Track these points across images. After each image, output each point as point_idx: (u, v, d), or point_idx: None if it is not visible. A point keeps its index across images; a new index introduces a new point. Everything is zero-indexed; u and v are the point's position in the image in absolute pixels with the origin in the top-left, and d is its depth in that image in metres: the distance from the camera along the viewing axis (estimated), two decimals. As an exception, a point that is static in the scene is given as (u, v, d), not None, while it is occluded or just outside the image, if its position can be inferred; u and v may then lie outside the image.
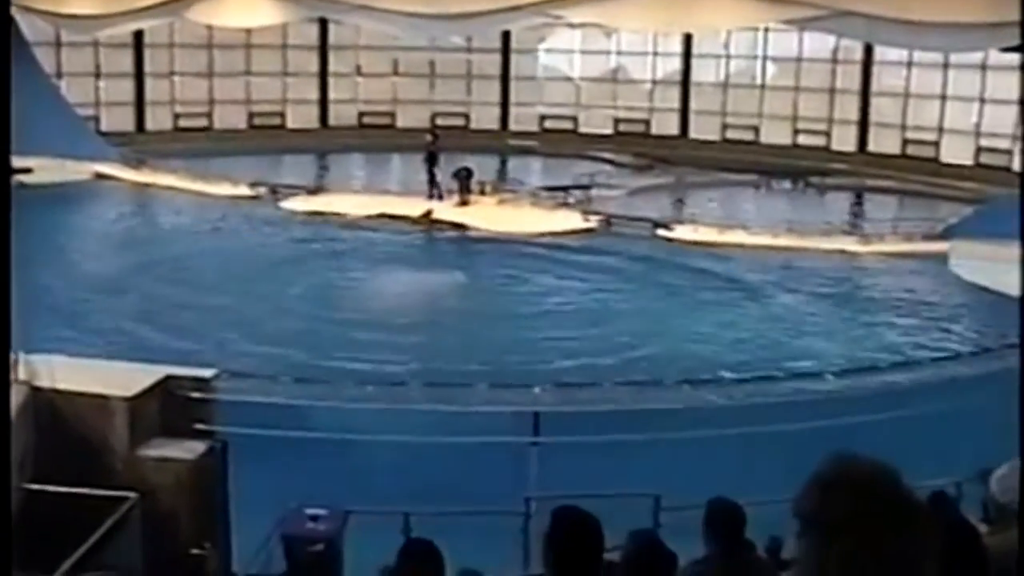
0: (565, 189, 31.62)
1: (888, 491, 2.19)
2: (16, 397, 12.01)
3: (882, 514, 2.15)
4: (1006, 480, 4.47)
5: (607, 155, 37.69)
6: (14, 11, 30.50)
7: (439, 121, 39.05)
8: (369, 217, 28.89)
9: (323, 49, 41.07)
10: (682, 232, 27.81)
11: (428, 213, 29.19)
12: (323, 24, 39.62)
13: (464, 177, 30.25)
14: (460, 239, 28.11)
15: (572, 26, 37.25)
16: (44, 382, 12.57)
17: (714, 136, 39.17)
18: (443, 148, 31.04)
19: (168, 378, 13.10)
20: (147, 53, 39.00)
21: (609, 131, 40.23)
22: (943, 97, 35.68)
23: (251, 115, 40.39)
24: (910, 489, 2.22)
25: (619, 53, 40.84)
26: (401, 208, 29.51)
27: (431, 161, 30.72)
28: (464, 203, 30.00)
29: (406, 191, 31.63)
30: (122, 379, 12.99)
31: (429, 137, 31.77)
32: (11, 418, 11.26)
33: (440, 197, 30.28)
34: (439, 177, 30.53)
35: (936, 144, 35.75)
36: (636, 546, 5.54)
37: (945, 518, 4.35)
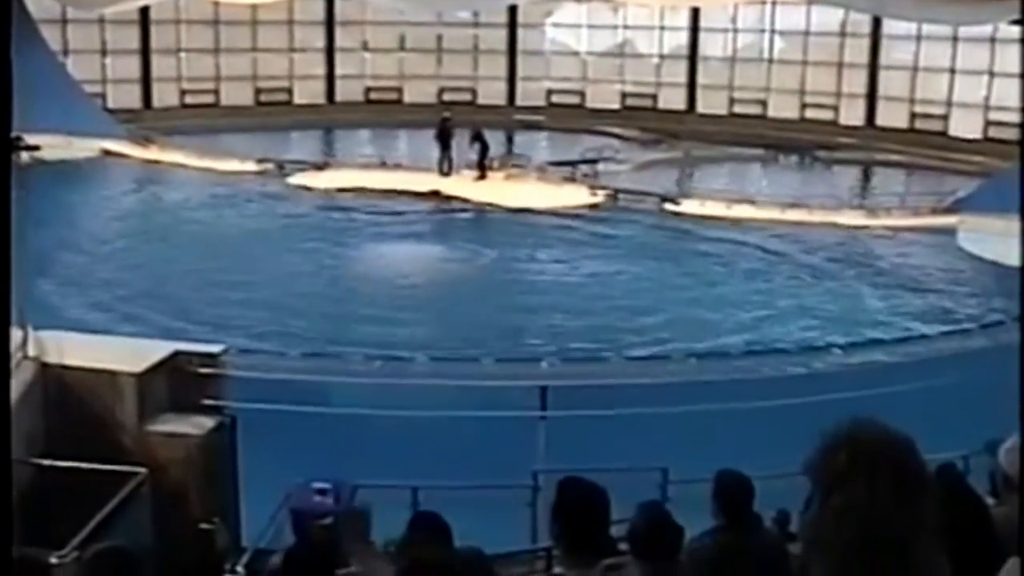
0: (572, 164, 31.60)
1: (892, 454, 2.19)
2: (25, 373, 12.04)
3: (882, 475, 2.16)
4: (1014, 453, 4.46)
5: (614, 130, 37.63)
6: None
7: (446, 96, 39.02)
8: (376, 192, 28.88)
9: (330, 24, 41.00)
10: (689, 206, 27.78)
11: (435, 190, 29.17)
12: (329, -1, 39.57)
13: (481, 148, 30.25)
14: (467, 214, 28.09)
15: (579, 0, 37.17)
16: (53, 358, 12.59)
17: (722, 110, 39.09)
18: (457, 125, 31.01)
19: (177, 353, 13.12)
20: (153, 29, 38.95)
21: (616, 105, 40.17)
22: (952, 70, 35.58)
23: (258, 91, 40.38)
24: (919, 458, 2.22)
25: (626, 27, 40.74)
26: (408, 183, 29.49)
27: (444, 138, 30.67)
28: (482, 176, 30.03)
29: (414, 166, 31.61)
30: (131, 355, 13.01)
31: (446, 114, 31.68)
32: (15, 398, 11.30)
33: (449, 173, 30.28)
34: (453, 153, 30.51)
35: (944, 118, 35.67)
36: (643, 518, 5.55)
37: (953, 490, 4.35)
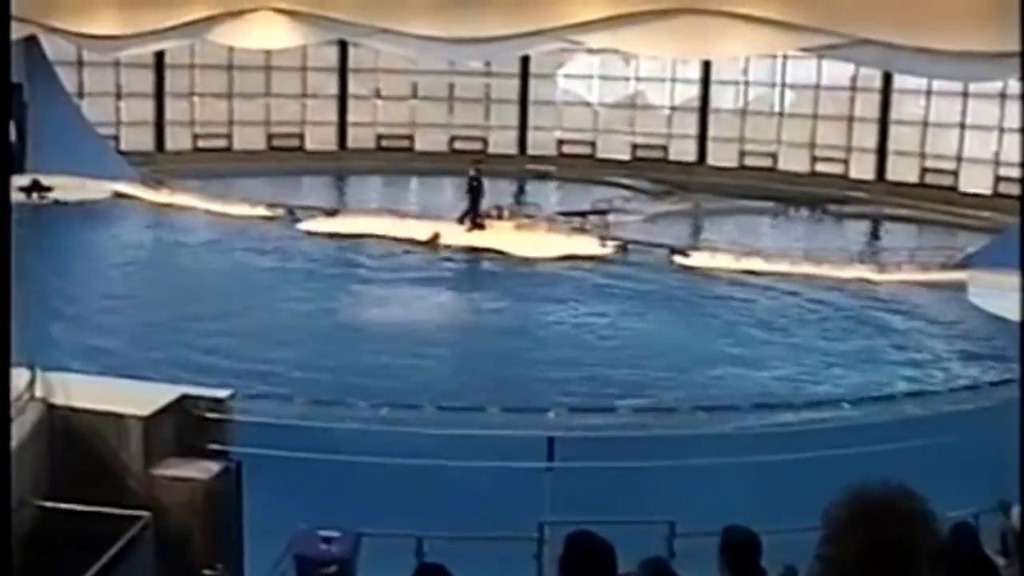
0: (582, 214, 31.62)
1: (902, 515, 2.18)
2: (32, 414, 12.04)
3: (892, 536, 2.15)
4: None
5: (625, 181, 37.70)
6: (38, 31, 30.76)
7: (457, 145, 39.17)
8: (379, 239, 28.93)
9: (342, 71, 41.24)
10: (699, 259, 27.77)
11: (436, 236, 29.17)
12: (343, 47, 39.79)
13: (474, 186, 30.19)
14: (477, 263, 28.13)
15: (591, 51, 37.33)
16: (60, 399, 12.60)
17: (732, 163, 39.16)
18: (486, 175, 30.95)
19: (183, 397, 13.12)
20: (168, 74, 39.23)
21: (627, 157, 40.26)
22: (962, 126, 35.64)
23: (270, 136, 40.56)
24: (931, 518, 2.21)
25: (637, 79, 40.92)
26: (418, 231, 29.52)
27: (474, 190, 30.55)
28: (479, 227, 29.96)
29: (423, 214, 31.65)
30: (137, 398, 13.01)
31: (475, 169, 31.17)
32: (22, 438, 11.29)
33: (463, 223, 30.22)
34: (480, 206, 30.40)
35: (955, 173, 35.68)
36: (646, 574, 5.51)
37: (966, 550, 4.31)
